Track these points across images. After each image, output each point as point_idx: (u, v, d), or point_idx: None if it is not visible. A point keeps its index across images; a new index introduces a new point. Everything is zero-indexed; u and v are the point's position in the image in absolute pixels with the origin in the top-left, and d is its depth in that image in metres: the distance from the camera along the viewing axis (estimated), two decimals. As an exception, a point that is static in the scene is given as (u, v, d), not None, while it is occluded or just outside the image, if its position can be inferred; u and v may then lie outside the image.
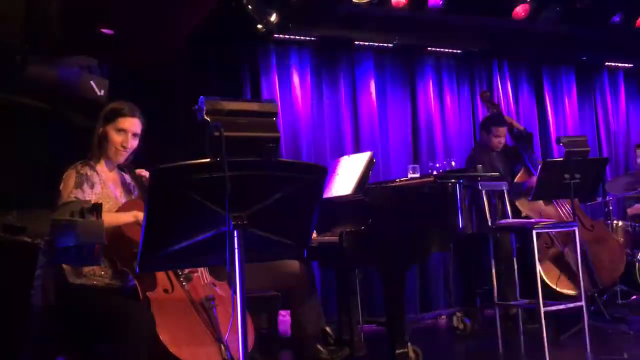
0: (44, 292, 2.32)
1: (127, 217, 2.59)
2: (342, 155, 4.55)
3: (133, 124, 2.80)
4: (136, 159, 2.90)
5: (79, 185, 2.65)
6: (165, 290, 2.57)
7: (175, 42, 4.20)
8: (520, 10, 5.33)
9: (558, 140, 4.01)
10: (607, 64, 6.60)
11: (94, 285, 2.63)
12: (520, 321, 3.95)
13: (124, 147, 2.78)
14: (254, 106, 1.82)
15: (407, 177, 3.72)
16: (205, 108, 1.73)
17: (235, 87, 4.98)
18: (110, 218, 2.56)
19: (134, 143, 2.81)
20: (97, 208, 1.77)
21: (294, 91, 5.21)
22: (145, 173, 2.85)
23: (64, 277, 2.62)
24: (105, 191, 2.74)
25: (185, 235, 1.77)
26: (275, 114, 1.83)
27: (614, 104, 6.66)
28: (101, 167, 2.81)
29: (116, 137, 2.77)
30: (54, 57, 1.52)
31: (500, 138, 4.95)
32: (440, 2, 5.05)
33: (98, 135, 2.79)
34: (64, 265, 2.59)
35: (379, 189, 3.68)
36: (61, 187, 2.64)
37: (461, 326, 4.50)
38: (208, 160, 1.69)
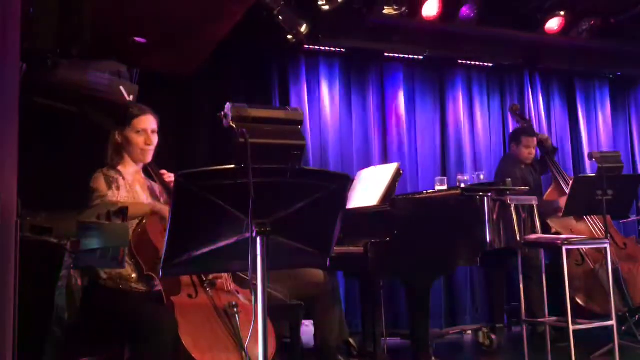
0: (70, 293, 2.35)
1: (145, 207, 2.64)
2: (370, 166, 4.54)
3: (149, 122, 2.86)
4: (160, 161, 2.94)
5: (109, 186, 2.71)
6: (189, 296, 2.58)
7: (204, 52, 4.25)
8: (553, 24, 5.27)
9: (590, 156, 3.94)
10: (643, 79, 6.47)
11: (120, 289, 2.65)
12: (548, 339, 3.86)
13: (148, 145, 2.84)
14: (279, 114, 1.83)
15: (435, 189, 3.69)
16: (231, 114, 1.75)
17: (264, 97, 5.01)
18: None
19: (155, 139, 2.87)
20: (123, 211, 1.79)
21: (322, 102, 5.23)
22: (171, 177, 2.88)
23: (95, 279, 2.66)
24: (132, 194, 2.79)
25: (208, 241, 1.78)
26: (300, 122, 1.84)
27: (649, 119, 6.52)
28: (125, 169, 2.86)
29: (138, 139, 2.83)
30: (84, 61, 1.55)
31: (531, 149, 4.88)
32: (472, 14, 5.01)
33: (116, 142, 2.84)
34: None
35: (405, 200, 3.66)
36: (94, 186, 2.70)
37: (487, 342, 4.42)
38: (233, 166, 1.69)
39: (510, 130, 5.78)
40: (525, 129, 5.00)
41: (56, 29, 1.50)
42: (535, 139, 4.91)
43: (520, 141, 4.88)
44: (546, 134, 5.50)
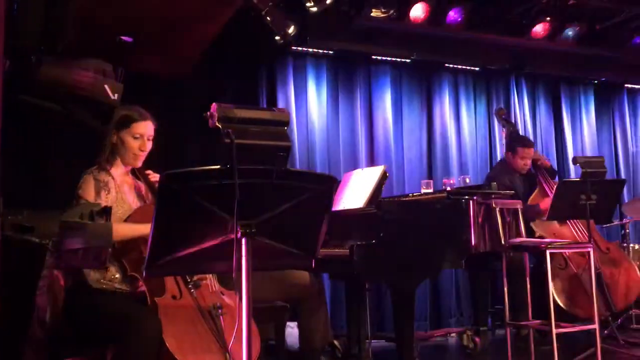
0: (52, 293, 2.33)
1: (145, 229, 2.55)
2: (356, 168, 4.54)
3: (148, 128, 2.84)
4: (148, 163, 2.92)
5: (97, 193, 2.68)
6: (174, 297, 2.57)
7: (192, 52, 4.23)
8: (539, 29, 5.31)
9: (575, 161, 3.97)
10: (627, 85, 6.54)
11: (103, 289, 2.63)
12: (532, 342, 3.88)
13: (142, 151, 2.82)
14: (265, 114, 1.82)
15: (421, 192, 3.70)
16: (217, 115, 1.74)
17: (251, 98, 5.01)
18: (129, 229, 2.58)
19: (149, 145, 2.85)
20: (106, 211, 1.77)
21: (310, 103, 5.23)
22: (156, 177, 2.86)
23: (80, 278, 2.63)
24: (121, 196, 2.77)
25: (192, 242, 1.77)
26: (287, 123, 1.83)
27: (633, 125, 6.59)
28: (116, 171, 2.83)
29: (133, 143, 2.81)
30: (69, 59, 1.54)
31: (526, 160, 4.81)
32: (459, 19, 5.04)
33: (112, 142, 2.81)
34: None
35: (391, 202, 3.66)
36: (80, 193, 2.66)
37: (471, 345, 4.44)
38: (217, 167, 1.69)
39: (497, 135, 5.82)
40: (522, 139, 4.92)
41: (40, 26, 1.49)
42: (532, 150, 4.85)
43: (516, 152, 4.81)
44: (543, 155, 5.45)
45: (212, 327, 2.50)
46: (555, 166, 6.06)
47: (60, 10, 1.50)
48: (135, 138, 2.80)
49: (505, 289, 3.81)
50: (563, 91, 6.27)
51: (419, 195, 3.64)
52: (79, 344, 2.60)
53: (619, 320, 4.63)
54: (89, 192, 2.66)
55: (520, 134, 5.34)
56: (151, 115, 2.87)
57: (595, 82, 6.40)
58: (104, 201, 2.66)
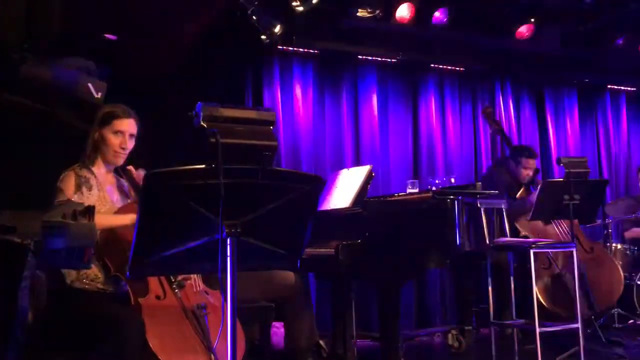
0: (35, 294, 2.30)
1: (125, 219, 2.58)
2: (342, 168, 4.54)
3: (130, 125, 2.80)
4: (132, 161, 2.89)
5: (78, 187, 2.65)
6: (157, 297, 2.55)
7: (178, 50, 4.21)
8: (523, 31, 5.35)
9: (558, 161, 3.99)
10: (609, 86, 6.61)
11: (86, 290, 2.61)
12: (515, 341, 3.91)
13: (123, 149, 2.79)
14: (251, 114, 1.81)
15: (406, 192, 3.71)
16: (202, 114, 1.72)
17: (237, 97, 4.99)
18: (107, 220, 2.56)
19: (131, 144, 2.82)
20: (89, 211, 1.75)
21: (296, 103, 5.22)
22: (139, 174, 2.83)
23: (61, 280, 2.61)
24: (103, 194, 2.74)
25: (177, 242, 1.76)
26: (272, 123, 1.82)
27: (616, 126, 6.66)
28: (98, 169, 2.80)
29: (114, 140, 2.77)
30: (52, 57, 1.52)
31: (529, 170, 4.82)
32: (445, 20, 5.06)
33: (94, 139, 2.78)
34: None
35: (377, 202, 3.67)
36: (61, 186, 2.63)
37: (456, 344, 4.46)
38: (203, 166, 1.68)
39: (482, 135, 5.86)
40: (526, 150, 4.90)
41: (22, 23, 1.46)
42: (535, 160, 4.86)
43: (520, 161, 4.83)
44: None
45: (196, 328, 2.49)
46: (539, 166, 6.11)
47: (44, 5, 1.48)
48: (116, 134, 2.76)
49: (490, 288, 3.83)
50: (547, 92, 6.32)
51: (405, 195, 3.65)
52: (61, 346, 2.57)
53: (602, 319, 4.67)
54: (69, 186, 2.63)
55: (506, 133, 5.37)
56: (135, 114, 2.84)
57: (579, 83, 6.46)
58: (84, 197, 2.64)
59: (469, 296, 4.64)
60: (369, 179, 3.67)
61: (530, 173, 4.87)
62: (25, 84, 1.41)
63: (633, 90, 6.72)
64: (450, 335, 4.52)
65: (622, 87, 6.67)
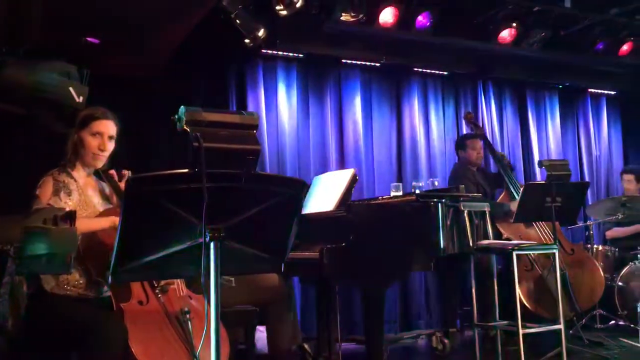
0: (14, 300, 2.27)
1: (105, 222, 2.55)
2: (327, 171, 4.54)
3: (108, 127, 2.77)
4: (114, 164, 2.87)
5: (56, 192, 2.61)
6: (140, 302, 2.53)
7: (162, 53, 4.19)
8: (505, 35, 5.40)
9: (540, 164, 4.03)
10: (590, 90, 6.69)
11: (67, 295, 2.57)
12: (499, 343, 3.93)
13: (102, 151, 2.75)
14: (234, 118, 1.80)
15: (390, 195, 3.72)
16: (185, 118, 1.71)
17: (221, 101, 4.98)
18: (88, 223, 2.53)
19: (110, 146, 2.78)
20: (70, 216, 1.74)
21: (280, 106, 5.22)
22: (125, 172, 2.81)
23: (39, 285, 2.57)
24: (84, 198, 2.71)
25: (160, 246, 1.74)
26: (256, 126, 1.82)
27: (597, 129, 6.75)
28: (78, 173, 2.77)
29: (92, 142, 2.74)
30: (32, 61, 1.50)
31: (478, 150, 5.03)
32: (428, 24, 5.09)
33: (73, 142, 2.75)
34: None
35: (361, 205, 3.68)
36: (37, 193, 2.60)
37: (440, 347, 4.47)
38: (185, 170, 1.67)
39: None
40: (467, 134, 5.10)
41: (3, 26, 1.45)
42: (479, 140, 5.04)
43: (466, 145, 5.03)
44: (503, 152, 5.60)
45: (179, 332, 2.48)
46: (521, 169, 6.17)
47: (25, 9, 1.47)
48: (94, 135, 2.73)
49: (474, 290, 3.85)
50: (529, 95, 6.38)
51: (389, 198, 3.66)
52: (42, 351, 2.54)
53: (584, 320, 4.72)
54: (46, 192, 2.60)
55: (488, 138, 5.42)
56: (115, 116, 2.81)
57: (560, 86, 6.53)
58: (63, 202, 2.60)
59: (453, 298, 4.67)
60: (353, 182, 3.68)
61: (481, 152, 5.07)
62: (8, 88, 1.40)
63: (613, 94, 6.82)
64: (434, 338, 4.53)
65: (603, 91, 6.76)
